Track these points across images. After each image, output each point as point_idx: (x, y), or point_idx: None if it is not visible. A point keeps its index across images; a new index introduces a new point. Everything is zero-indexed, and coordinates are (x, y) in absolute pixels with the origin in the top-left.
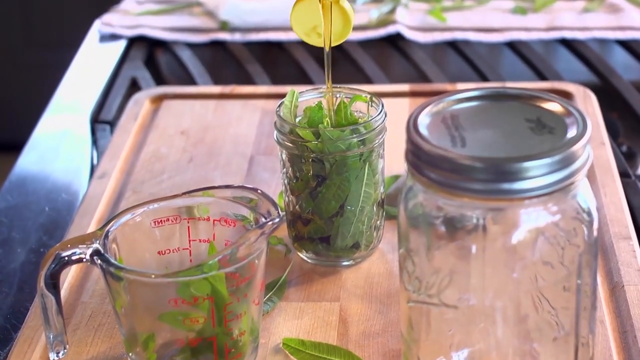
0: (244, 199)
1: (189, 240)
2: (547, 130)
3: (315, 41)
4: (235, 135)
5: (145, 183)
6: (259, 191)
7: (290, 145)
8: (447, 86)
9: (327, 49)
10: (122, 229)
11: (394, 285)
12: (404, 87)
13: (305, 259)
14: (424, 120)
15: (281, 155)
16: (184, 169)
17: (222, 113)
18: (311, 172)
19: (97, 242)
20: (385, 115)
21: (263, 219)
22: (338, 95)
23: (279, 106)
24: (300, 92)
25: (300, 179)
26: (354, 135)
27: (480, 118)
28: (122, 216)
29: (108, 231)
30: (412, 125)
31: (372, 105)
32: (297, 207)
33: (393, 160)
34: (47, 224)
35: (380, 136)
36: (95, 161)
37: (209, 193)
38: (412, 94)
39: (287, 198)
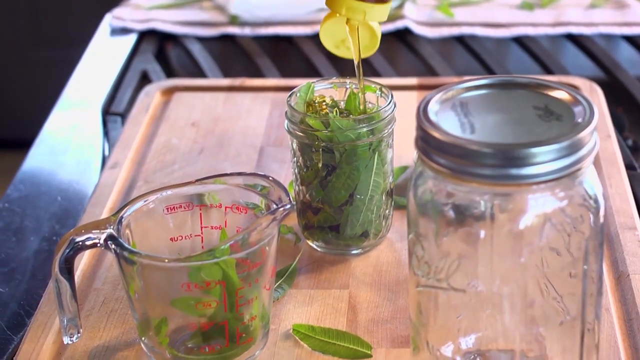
0: (256, 186)
1: (201, 227)
2: (555, 118)
3: (344, 53)
4: (245, 127)
5: (156, 173)
6: (270, 178)
7: (301, 134)
8: (455, 80)
9: (357, 62)
10: (136, 215)
11: (402, 273)
12: (412, 81)
13: (315, 247)
14: (433, 107)
15: (292, 144)
16: (194, 160)
17: (232, 105)
18: (321, 161)
19: (111, 227)
20: (395, 106)
21: (274, 206)
22: (347, 86)
23: (290, 96)
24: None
25: (311, 168)
26: (364, 125)
27: (489, 105)
28: (136, 202)
29: (122, 217)
30: (422, 112)
31: (381, 96)
32: (307, 196)
33: (402, 151)
34: (59, 213)
35: (390, 126)
36: (106, 152)
37: (220, 180)
38: (420, 87)
39: (297, 187)
